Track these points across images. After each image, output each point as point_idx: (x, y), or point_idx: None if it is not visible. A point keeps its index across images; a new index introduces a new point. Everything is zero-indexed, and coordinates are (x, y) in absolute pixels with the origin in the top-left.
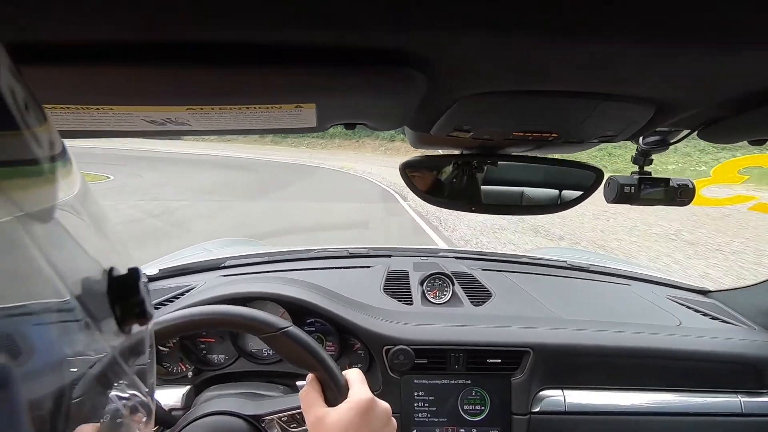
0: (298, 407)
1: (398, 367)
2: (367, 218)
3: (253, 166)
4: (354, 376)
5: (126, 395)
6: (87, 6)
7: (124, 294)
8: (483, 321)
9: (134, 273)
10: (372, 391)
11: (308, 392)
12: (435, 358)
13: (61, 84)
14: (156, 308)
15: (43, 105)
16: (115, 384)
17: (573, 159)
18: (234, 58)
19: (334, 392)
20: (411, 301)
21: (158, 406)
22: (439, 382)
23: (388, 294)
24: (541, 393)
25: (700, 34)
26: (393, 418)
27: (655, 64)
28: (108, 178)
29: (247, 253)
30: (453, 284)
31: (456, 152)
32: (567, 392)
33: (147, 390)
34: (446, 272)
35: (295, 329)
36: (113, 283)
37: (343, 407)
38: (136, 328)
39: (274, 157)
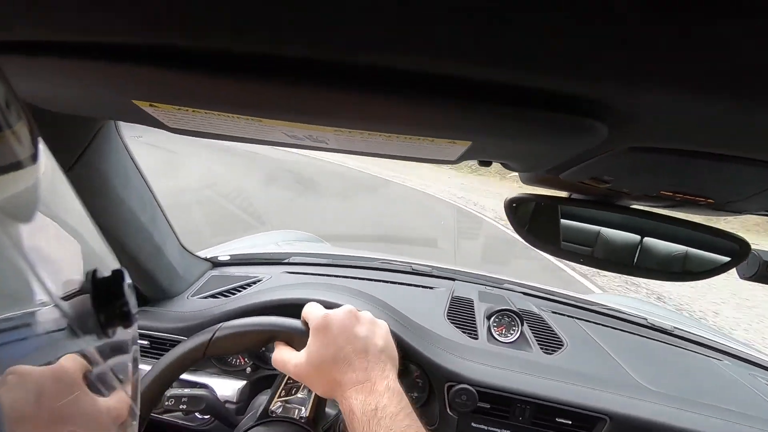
0: (285, 377)
1: (459, 407)
2: (436, 236)
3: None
4: (307, 309)
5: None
6: (257, 24)
7: (107, 296)
8: (555, 374)
9: (118, 275)
10: (429, 425)
11: (275, 355)
12: (499, 404)
13: (220, 94)
14: (224, 295)
15: (194, 110)
16: (99, 388)
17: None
18: (396, 84)
19: (298, 339)
20: (476, 335)
21: (214, 396)
22: (499, 431)
23: (452, 322)
24: None
25: None
26: (364, 313)
27: None
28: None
29: (312, 252)
30: (521, 324)
31: (568, 196)
32: None
33: (130, 393)
34: (515, 310)
35: (224, 326)
36: (96, 285)
37: (309, 340)
38: (119, 330)
39: (334, 159)
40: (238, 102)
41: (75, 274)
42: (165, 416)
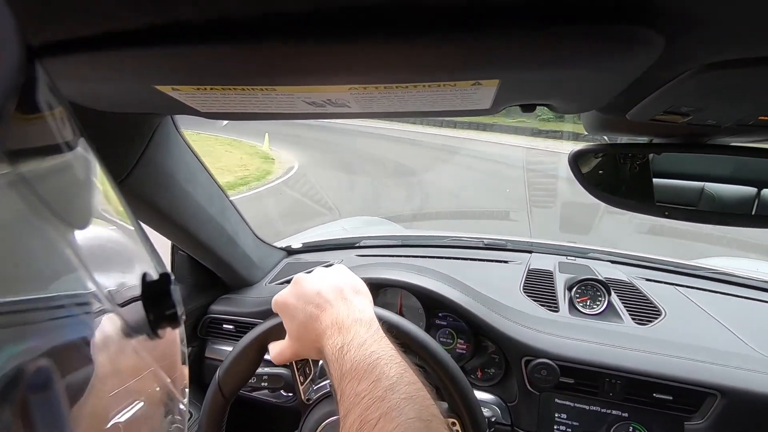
0: (299, 365)
1: (539, 382)
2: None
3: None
4: (275, 299)
5: (160, 397)
6: None
7: (156, 298)
8: (650, 345)
9: (165, 278)
10: (507, 404)
11: (270, 353)
12: (585, 379)
13: (228, 64)
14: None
15: (212, 87)
16: (150, 387)
17: None
18: (402, 25)
19: (279, 330)
20: (557, 307)
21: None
22: (587, 407)
23: (528, 296)
24: None
25: None
26: (310, 273)
27: None
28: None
29: (382, 234)
30: (609, 294)
31: (646, 140)
32: None
33: (180, 391)
34: (601, 278)
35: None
36: (146, 287)
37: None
38: (167, 331)
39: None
40: (245, 69)
41: (129, 279)
42: (254, 393)
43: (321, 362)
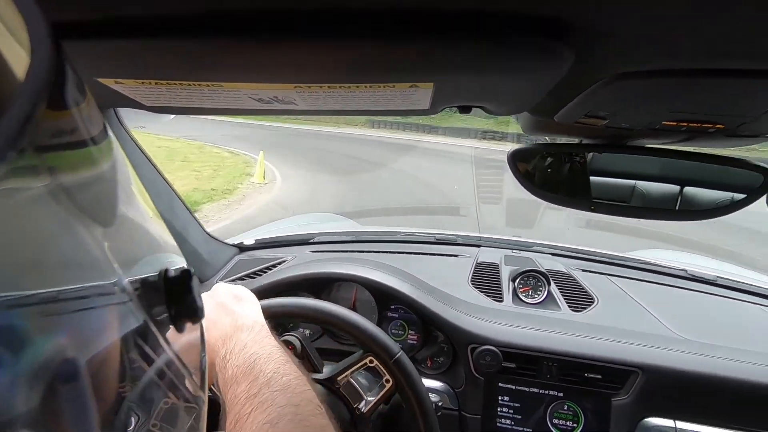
0: (364, 358)
1: (483, 368)
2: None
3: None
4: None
5: (180, 390)
6: None
7: (178, 294)
8: (583, 330)
9: (186, 273)
10: (453, 389)
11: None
12: (525, 363)
13: (174, 59)
14: (251, 277)
15: (158, 81)
16: (170, 379)
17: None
18: (346, 30)
19: None
20: (501, 297)
21: (305, 342)
22: (527, 389)
23: (476, 287)
24: (646, 420)
25: None
26: (208, 293)
27: None
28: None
29: (335, 231)
30: (549, 284)
31: (575, 141)
32: (680, 424)
33: (199, 384)
34: (542, 270)
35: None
36: (168, 283)
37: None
38: (188, 326)
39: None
40: (191, 65)
41: (150, 272)
42: None
43: None
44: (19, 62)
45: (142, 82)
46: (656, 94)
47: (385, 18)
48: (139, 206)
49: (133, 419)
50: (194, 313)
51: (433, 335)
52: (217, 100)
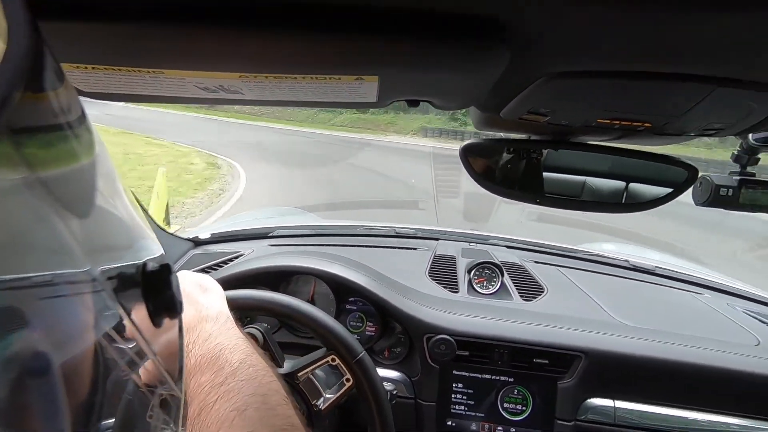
0: (327, 356)
1: (438, 356)
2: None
3: None
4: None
5: (156, 386)
6: None
7: (156, 288)
8: (532, 318)
9: (165, 268)
10: (410, 378)
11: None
12: (478, 351)
13: (113, 43)
14: (206, 272)
15: (95, 66)
16: (145, 373)
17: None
18: (292, 21)
19: None
20: (457, 288)
21: (267, 334)
22: (479, 376)
23: (433, 279)
24: (589, 401)
25: None
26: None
27: None
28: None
29: (295, 224)
30: (502, 275)
31: (524, 137)
32: (618, 403)
33: (176, 378)
34: (496, 262)
35: None
36: (146, 277)
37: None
38: (166, 320)
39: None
40: (130, 51)
41: (127, 265)
42: None
43: None
44: None
45: (77, 67)
46: (589, 94)
47: (329, 11)
48: (119, 197)
49: (106, 414)
50: (173, 308)
51: (391, 326)
52: (160, 88)
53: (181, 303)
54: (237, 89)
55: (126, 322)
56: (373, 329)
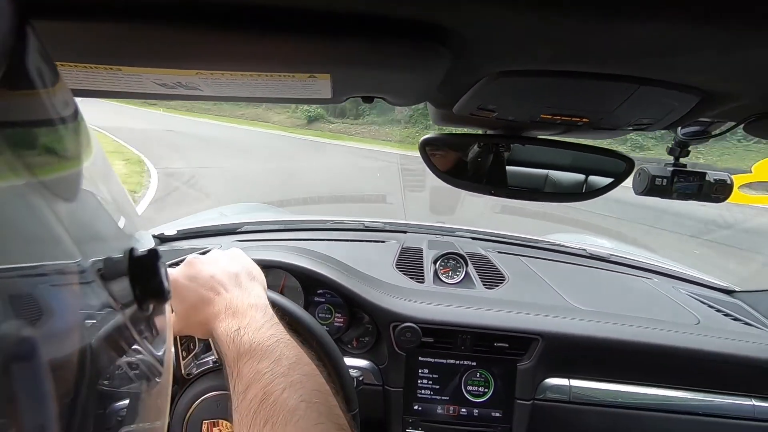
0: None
1: (404, 343)
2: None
3: None
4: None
5: (136, 361)
6: None
7: (143, 274)
8: (494, 304)
9: (153, 254)
10: (377, 366)
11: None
12: (442, 337)
13: (70, 40)
14: (171, 267)
15: (60, 63)
16: (128, 354)
17: (603, 146)
18: (246, 21)
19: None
20: (423, 279)
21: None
22: (444, 361)
23: (400, 270)
24: (546, 381)
25: (756, 19)
26: (205, 255)
27: (708, 52)
28: None
29: (263, 220)
30: (467, 265)
31: (479, 132)
32: (573, 381)
33: (159, 356)
34: (460, 252)
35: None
36: (133, 263)
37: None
38: (153, 305)
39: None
40: (87, 48)
41: (115, 252)
42: None
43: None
44: None
45: None
46: (529, 91)
47: (281, 12)
48: (109, 186)
49: (92, 399)
50: (160, 294)
51: (359, 317)
52: (117, 84)
53: (169, 290)
54: (194, 85)
55: (114, 308)
56: (342, 320)
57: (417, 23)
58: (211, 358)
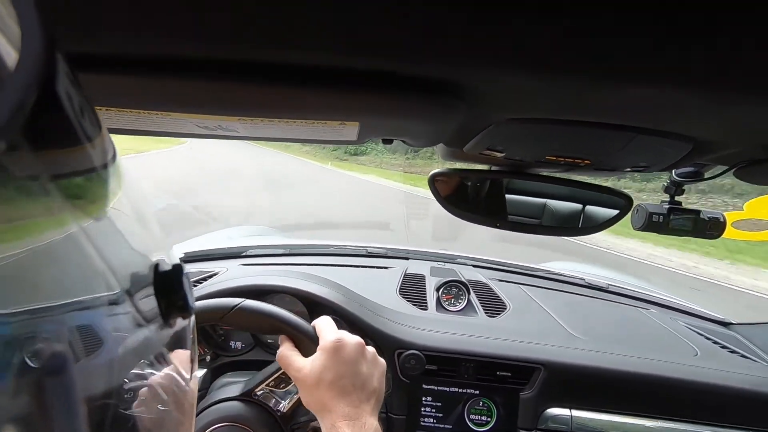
0: (279, 369)
1: (408, 371)
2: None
3: None
4: (321, 323)
5: (167, 383)
6: (157, 25)
7: (168, 288)
8: (496, 333)
9: (178, 268)
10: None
11: (283, 351)
12: (445, 365)
13: (131, 92)
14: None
15: (111, 108)
16: (157, 373)
17: (601, 183)
18: (287, 77)
19: (306, 344)
20: (426, 306)
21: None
22: (447, 389)
23: (403, 297)
24: (548, 411)
25: (743, 82)
26: (369, 348)
27: (696, 107)
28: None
29: (268, 244)
30: (469, 293)
31: (485, 168)
32: (575, 412)
33: (188, 378)
34: (463, 280)
35: (248, 302)
36: (159, 278)
37: (316, 354)
38: (178, 320)
39: None
40: (144, 98)
41: (141, 268)
42: None
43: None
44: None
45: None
46: (534, 137)
47: (320, 70)
48: (133, 202)
49: (119, 413)
50: (184, 309)
51: None
52: (166, 126)
53: (192, 305)
54: (233, 128)
55: (140, 323)
56: None
57: (437, 80)
58: (280, 406)
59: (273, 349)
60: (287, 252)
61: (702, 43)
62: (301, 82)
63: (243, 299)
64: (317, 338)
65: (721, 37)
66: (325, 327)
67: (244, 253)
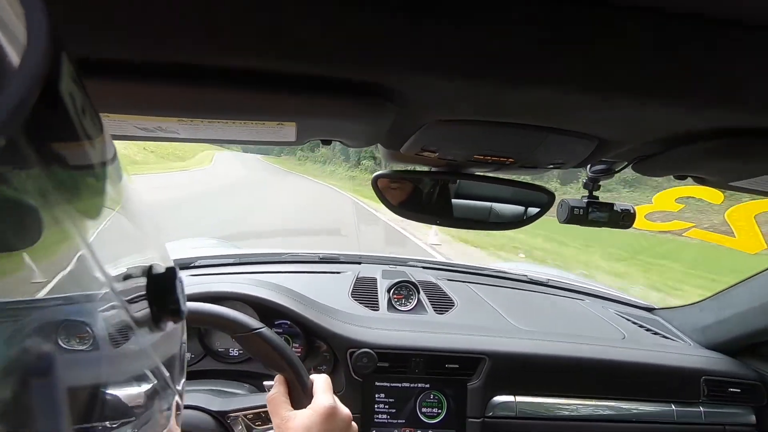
0: (264, 406)
1: (361, 369)
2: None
3: None
4: (320, 383)
5: (157, 390)
6: (90, 27)
7: (161, 291)
8: (444, 328)
9: (171, 272)
10: (335, 392)
11: (276, 394)
12: (397, 361)
13: None
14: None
15: None
16: (147, 379)
17: (532, 182)
18: (225, 80)
19: (300, 395)
20: (377, 307)
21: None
22: (399, 385)
23: (355, 299)
24: (495, 398)
25: (629, 88)
26: (354, 424)
27: (594, 108)
28: None
29: (217, 254)
30: (418, 292)
31: (425, 169)
32: (519, 398)
33: (178, 388)
34: (413, 281)
35: (268, 331)
36: (151, 280)
37: (307, 412)
38: (169, 324)
39: None
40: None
41: (134, 270)
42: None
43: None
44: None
45: None
46: (461, 136)
47: (255, 72)
48: (129, 203)
49: (105, 414)
50: (176, 313)
51: (316, 346)
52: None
53: (185, 309)
54: (173, 130)
55: (130, 324)
56: (299, 350)
57: (369, 84)
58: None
59: (224, 357)
60: (238, 261)
61: (581, 50)
62: (238, 84)
63: (264, 326)
64: (312, 395)
65: (600, 44)
66: (322, 387)
67: (192, 264)
